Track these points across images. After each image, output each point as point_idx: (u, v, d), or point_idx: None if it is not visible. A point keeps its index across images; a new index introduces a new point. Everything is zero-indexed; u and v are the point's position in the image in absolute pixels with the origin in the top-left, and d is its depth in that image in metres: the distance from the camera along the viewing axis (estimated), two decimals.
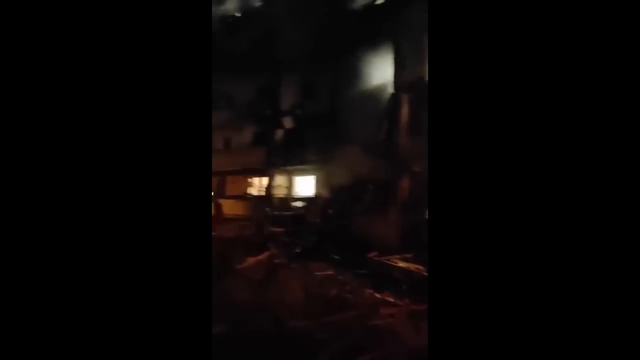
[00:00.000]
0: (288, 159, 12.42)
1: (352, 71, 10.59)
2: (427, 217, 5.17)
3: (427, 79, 8.59)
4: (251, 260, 6.12)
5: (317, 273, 5.00)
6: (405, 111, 8.53)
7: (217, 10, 15.43)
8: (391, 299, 4.43)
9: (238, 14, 15.05)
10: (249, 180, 14.57)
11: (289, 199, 12.11)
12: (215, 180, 15.65)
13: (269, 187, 12.42)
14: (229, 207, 12.23)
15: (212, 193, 4.03)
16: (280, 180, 12.92)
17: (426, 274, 4.83)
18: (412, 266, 5.61)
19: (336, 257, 6.15)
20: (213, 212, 3.73)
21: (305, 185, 12.68)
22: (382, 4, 9.47)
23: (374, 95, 9.81)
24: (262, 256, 6.29)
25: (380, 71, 9.60)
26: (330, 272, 5.04)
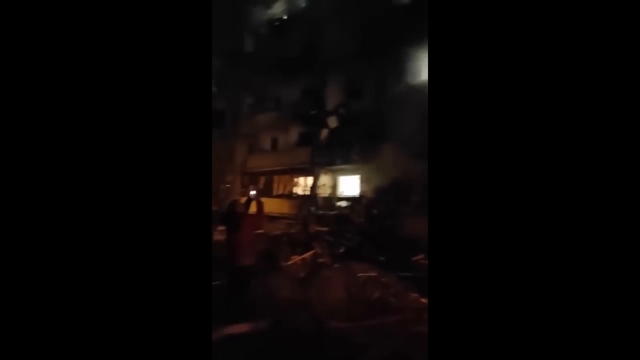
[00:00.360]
0: (333, 158, 12.47)
1: (398, 68, 10.38)
2: None
3: None
4: (296, 258, 6.24)
5: (360, 274, 4.95)
6: None
7: (264, 15, 15.90)
8: None
9: (285, 17, 15.38)
10: (295, 179, 14.86)
11: (333, 198, 12.16)
12: (262, 179, 16.17)
13: (314, 187, 12.55)
14: (276, 206, 12.55)
15: (255, 192, 4.15)
16: (325, 179, 13.02)
17: None
18: None
19: (381, 258, 6.07)
20: (254, 209, 3.81)
21: (349, 185, 12.66)
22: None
23: (420, 92, 9.54)
24: (307, 255, 6.39)
25: (426, 67, 9.30)
26: (373, 274, 4.97)
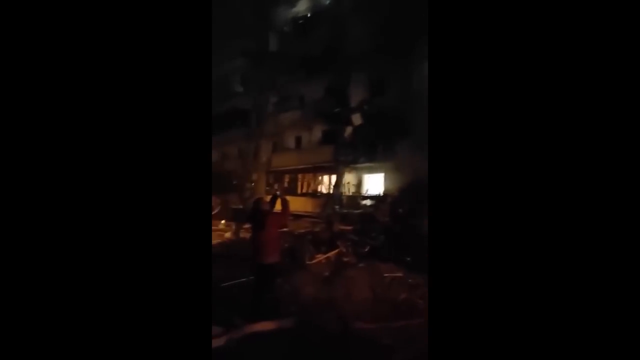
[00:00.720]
0: (356, 156, 12.38)
1: (421, 65, 10.16)
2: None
3: None
4: (320, 257, 6.24)
5: (386, 274, 4.88)
6: None
7: (288, 13, 15.97)
8: None
9: (308, 14, 15.39)
10: (319, 177, 14.87)
11: (357, 196, 12.08)
12: (287, 178, 16.29)
13: (338, 185, 12.52)
14: (300, 204, 12.61)
15: (279, 192, 4.20)
16: (349, 177, 12.95)
17: None
18: None
19: (407, 258, 5.97)
20: (279, 208, 3.84)
21: (374, 183, 12.53)
22: None
23: None
24: (331, 253, 6.37)
25: None
26: (399, 274, 4.89)
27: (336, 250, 6.52)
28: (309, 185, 15.24)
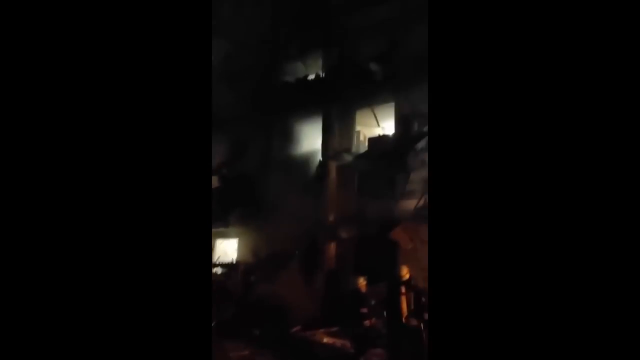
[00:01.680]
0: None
1: (283, 136, 10.78)
2: (352, 286, 5.01)
3: (353, 149, 9.04)
4: None
5: (231, 354, 4.34)
6: (333, 178, 8.73)
7: None
8: None
9: None
10: None
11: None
12: None
13: None
14: None
15: None
16: None
17: (352, 350, 4.54)
18: (337, 342, 5.23)
19: (256, 331, 5.53)
20: None
21: (227, 250, 11.88)
22: (314, 79, 10.12)
23: (302, 161, 9.99)
24: None
25: (310, 138, 9.91)
26: (246, 353, 4.42)
27: None
28: None
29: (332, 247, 8.20)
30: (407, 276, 4.31)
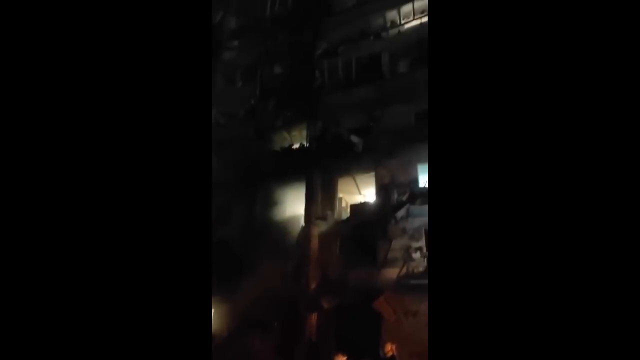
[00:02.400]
0: None
1: (265, 201, 10.87)
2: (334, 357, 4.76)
3: (336, 215, 9.17)
4: None
5: None
6: (315, 245, 8.69)
7: None
8: None
9: None
10: None
11: None
12: None
13: None
14: None
15: None
16: None
17: None
18: None
19: None
20: None
21: None
22: (297, 148, 10.58)
23: (284, 226, 9.98)
24: None
25: (292, 204, 10.03)
26: None
27: None
28: None
29: (312, 318, 7.89)
30: (391, 353, 4.18)
